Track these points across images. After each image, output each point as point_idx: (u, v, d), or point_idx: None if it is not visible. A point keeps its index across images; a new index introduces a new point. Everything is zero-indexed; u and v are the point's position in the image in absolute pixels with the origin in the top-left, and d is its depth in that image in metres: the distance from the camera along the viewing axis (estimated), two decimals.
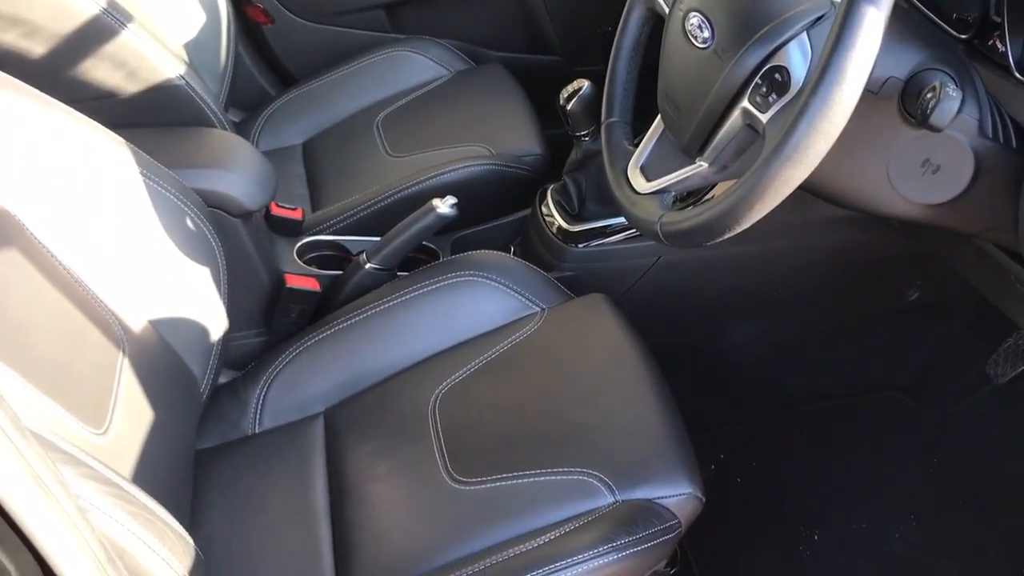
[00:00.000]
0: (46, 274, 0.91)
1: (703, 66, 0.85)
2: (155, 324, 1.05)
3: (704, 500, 0.99)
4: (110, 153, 1.03)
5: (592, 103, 1.26)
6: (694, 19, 0.87)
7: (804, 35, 0.80)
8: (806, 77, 0.78)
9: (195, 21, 1.56)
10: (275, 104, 1.73)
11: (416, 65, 1.76)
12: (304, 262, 1.35)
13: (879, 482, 1.49)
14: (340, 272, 1.32)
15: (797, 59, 0.79)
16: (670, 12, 0.93)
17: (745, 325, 1.47)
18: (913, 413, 1.58)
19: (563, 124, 1.32)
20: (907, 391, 1.59)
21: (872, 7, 0.69)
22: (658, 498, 0.97)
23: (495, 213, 1.50)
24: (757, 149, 0.84)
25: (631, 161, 0.98)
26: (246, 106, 1.79)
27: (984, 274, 1.08)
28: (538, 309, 1.22)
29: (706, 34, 0.85)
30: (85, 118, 1.02)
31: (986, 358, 1.43)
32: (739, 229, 0.80)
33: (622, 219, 1.32)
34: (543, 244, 1.36)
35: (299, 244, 1.36)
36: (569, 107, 1.26)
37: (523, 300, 1.23)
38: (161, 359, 1.06)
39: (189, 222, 1.10)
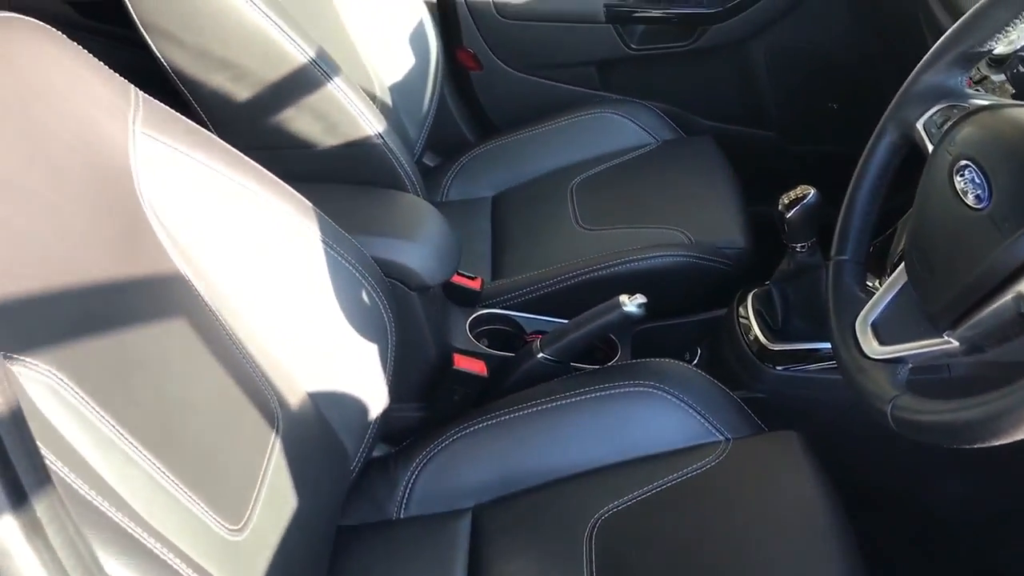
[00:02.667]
0: (212, 346, 0.87)
1: (972, 230, 0.71)
2: (315, 399, 1.00)
3: None
4: (296, 219, 0.98)
5: (815, 213, 1.12)
6: (967, 171, 0.72)
7: None
8: None
9: (405, 63, 1.52)
10: (472, 153, 1.68)
11: (621, 129, 1.66)
12: (475, 335, 1.28)
13: None
14: (510, 355, 1.24)
15: None
16: (935, 151, 0.78)
17: (965, 478, 1.28)
18: None
19: (773, 218, 1.18)
20: None
21: None
22: None
23: (685, 308, 1.38)
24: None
25: (861, 314, 0.84)
26: (443, 151, 1.75)
27: None
28: (722, 438, 1.09)
29: (980, 192, 0.71)
30: (276, 181, 0.98)
31: None
32: (1001, 442, 0.65)
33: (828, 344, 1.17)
34: (736, 357, 1.23)
35: (473, 316, 1.29)
36: (789, 215, 1.12)
37: (706, 425, 1.10)
38: (315, 437, 1.01)
39: (364, 295, 1.05)
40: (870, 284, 0.93)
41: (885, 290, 0.83)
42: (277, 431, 0.93)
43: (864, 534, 0.98)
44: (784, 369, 1.19)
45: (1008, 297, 0.68)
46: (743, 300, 1.28)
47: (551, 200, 1.54)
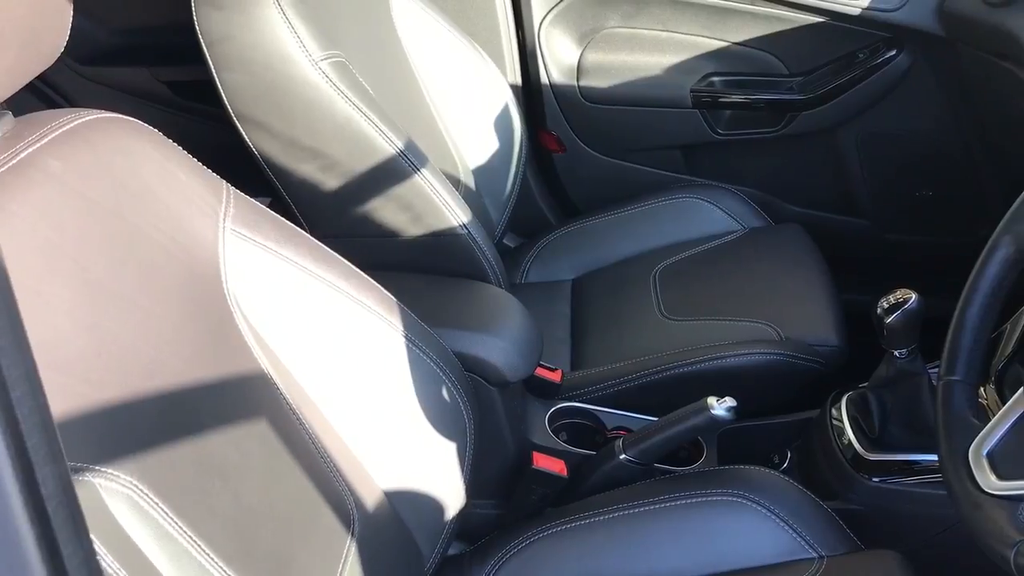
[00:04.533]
0: (291, 447, 0.86)
1: None
2: (391, 499, 0.98)
3: None
4: (379, 314, 0.97)
5: (917, 319, 1.07)
6: None
7: None
8: None
9: (489, 146, 1.52)
10: (553, 235, 1.66)
11: (706, 215, 1.63)
12: (554, 430, 1.25)
13: None
14: (591, 452, 1.20)
15: None
16: None
17: None
18: None
19: (868, 310, 1.13)
20: None
21: None
22: None
23: (773, 407, 1.33)
24: None
25: (976, 442, 0.78)
26: (524, 231, 1.73)
27: None
28: (815, 555, 1.03)
29: None
30: (360, 274, 0.97)
31: None
32: None
33: (933, 456, 1.11)
34: (828, 464, 1.17)
35: (552, 410, 1.26)
36: (889, 320, 1.07)
37: (798, 540, 1.04)
38: (391, 539, 0.98)
39: (445, 392, 1.02)
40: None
41: (1004, 416, 0.78)
42: (353, 534, 0.91)
43: None
44: (881, 480, 1.12)
45: None
46: (836, 403, 1.22)
47: (634, 286, 1.51)
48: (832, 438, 1.19)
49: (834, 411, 1.21)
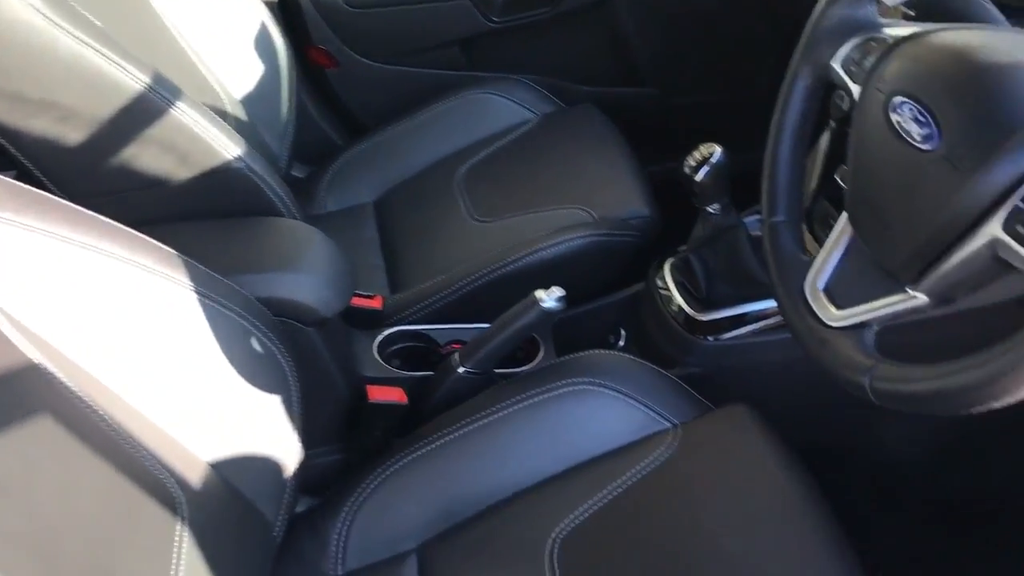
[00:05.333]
0: (88, 442, 0.74)
1: (926, 174, 0.64)
2: (220, 470, 0.88)
3: None
4: (160, 273, 0.85)
5: (725, 172, 1.06)
6: (904, 108, 0.66)
7: None
8: None
9: (253, 72, 1.38)
10: (344, 157, 1.55)
11: (498, 108, 1.56)
12: (385, 359, 1.17)
13: None
14: (429, 373, 1.13)
15: None
16: (864, 92, 0.71)
17: (903, 422, 1.24)
18: None
19: (669, 169, 1.11)
20: None
21: None
22: None
23: (600, 289, 1.30)
24: (1006, 284, 0.63)
25: (809, 279, 0.77)
26: (311, 159, 1.61)
27: None
28: (669, 425, 1.02)
29: (926, 131, 0.64)
30: (129, 232, 0.84)
31: None
32: (1001, 405, 0.59)
33: (761, 304, 1.11)
34: (663, 333, 1.16)
35: (379, 339, 1.18)
36: (699, 178, 1.05)
37: (650, 413, 1.02)
38: (229, 513, 0.88)
39: (255, 343, 0.92)
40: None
41: (831, 249, 0.77)
42: (182, 518, 0.81)
43: (828, 493, 0.93)
44: (716, 339, 1.12)
45: (980, 243, 0.62)
46: (659, 271, 1.20)
47: (439, 195, 1.44)
48: (661, 307, 1.18)
49: (658, 280, 1.20)
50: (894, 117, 0.67)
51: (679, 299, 1.15)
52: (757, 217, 1.17)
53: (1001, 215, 0.60)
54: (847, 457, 1.27)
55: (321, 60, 1.62)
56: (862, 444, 1.27)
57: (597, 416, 1.03)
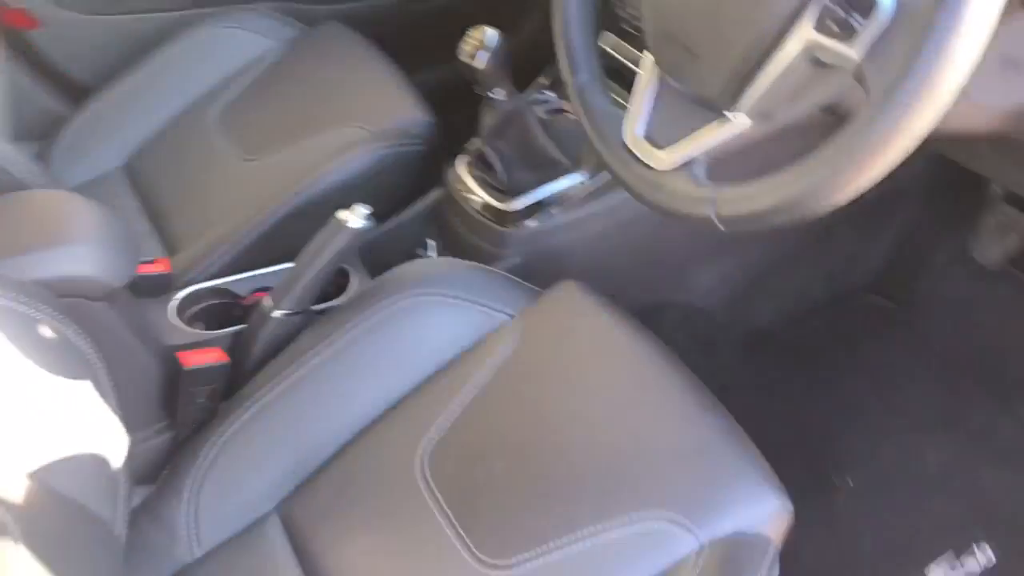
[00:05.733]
0: None
1: None
2: (41, 480, 0.77)
3: (794, 511, 0.83)
4: None
5: (502, 52, 1.03)
6: None
7: None
8: None
9: None
10: (72, 125, 1.38)
11: (236, 42, 1.44)
12: (188, 322, 1.07)
13: (888, 397, 1.37)
14: (242, 327, 1.05)
15: None
16: None
17: (710, 268, 1.31)
18: (897, 313, 1.46)
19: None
20: (881, 291, 1.48)
21: None
22: (748, 527, 0.80)
23: (398, 205, 1.25)
24: (822, 87, 0.65)
25: (627, 129, 0.76)
26: (37, 135, 1.42)
27: (1002, 164, 0.95)
28: (506, 317, 1.00)
29: None
30: None
31: (955, 240, 1.33)
32: (842, 201, 0.61)
33: (564, 182, 1.11)
34: (475, 232, 1.14)
35: (174, 303, 1.07)
36: (478, 64, 1.02)
37: (485, 310, 1.00)
38: (61, 522, 0.78)
39: (44, 330, 0.81)
40: None
41: (641, 94, 0.76)
42: (14, 540, 0.70)
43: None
44: (529, 225, 1.11)
45: (794, 49, 0.63)
46: (454, 171, 1.17)
47: (196, 144, 1.32)
48: (466, 206, 1.15)
49: (458, 184, 1.17)
50: None
51: (482, 194, 1.13)
52: (540, 97, 1.17)
53: (810, 16, 0.62)
54: (666, 312, 1.32)
55: (19, 21, 1.42)
56: (677, 297, 1.32)
57: (431, 325, 1.00)
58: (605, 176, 1.12)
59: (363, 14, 1.63)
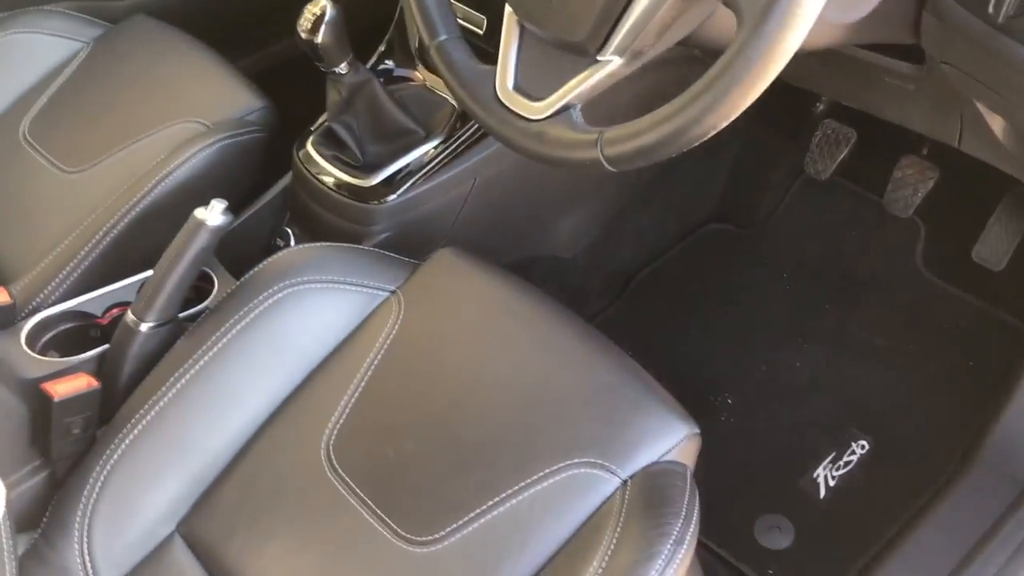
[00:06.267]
0: None
1: None
2: None
3: (700, 432, 0.86)
4: None
5: (340, 26, 1.00)
6: None
7: None
8: None
9: None
10: None
11: (35, 48, 1.33)
12: (41, 352, 0.99)
13: (749, 316, 1.43)
14: (105, 347, 0.98)
15: None
16: None
17: (568, 217, 1.33)
18: (743, 236, 1.53)
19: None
20: (726, 217, 1.55)
21: None
22: (662, 455, 0.82)
23: (247, 197, 1.20)
24: (687, 18, 0.67)
25: (498, 84, 0.76)
26: None
27: (830, 77, 1.01)
28: (386, 293, 0.98)
29: None
30: None
31: (787, 159, 1.41)
32: (724, 124, 0.63)
33: (419, 150, 1.10)
34: (338, 214, 1.10)
35: (24, 333, 0.99)
36: (320, 40, 0.98)
37: (364, 290, 0.98)
38: None
39: None
40: None
41: (507, 47, 0.76)
42: None
43: None
44: (392, 199, 1.09)
45: None
46: (305, 152, 1.13)
47: (10, 162, 1.21)
48: (323, 188, 1.11)
49: (309, 167, 1.13)
50: None
51: (338, 173, 1.10)
52: (384, 67, 1.15)
53: None
54: (534, 266, 1.33)
55: None
56: (543, 250, 1.34)
57: (313, 314, 0.97)
58: (459, 140, 1.11)
59: (169, 4, 1.54)
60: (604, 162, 0.68)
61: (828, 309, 1.43)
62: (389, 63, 1.17)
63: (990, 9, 0.71)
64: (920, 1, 0.78)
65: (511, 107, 0.74)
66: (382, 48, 1.17)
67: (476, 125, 1.09)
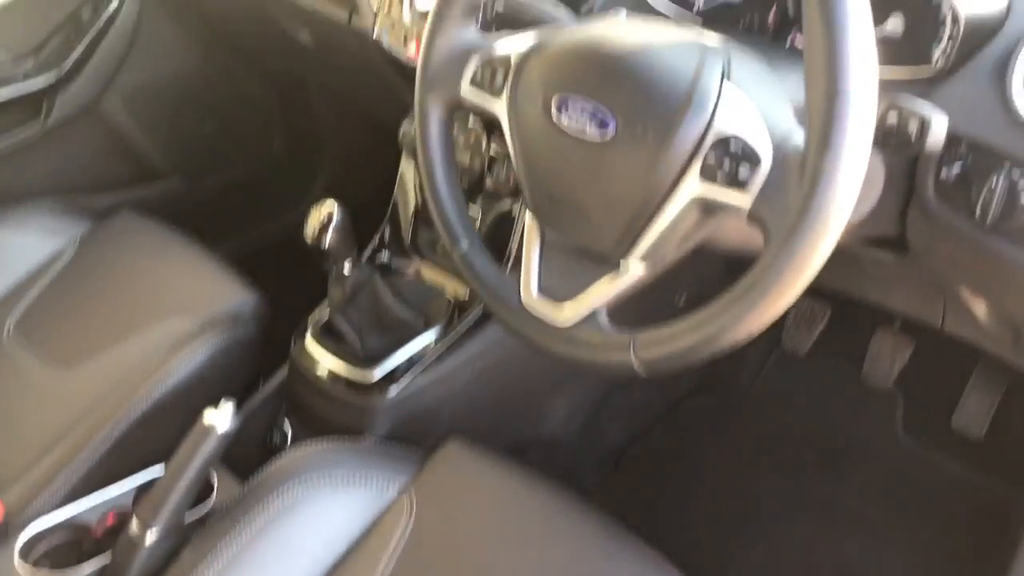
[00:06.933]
0: None
1: (613, 159, 0.70)
2: None
3: None
4: None
5: (349, 228, 1.04)
6: (569, 107, 0.70)
7: (730, 84, 0.68)
8: (778, 131, 0.65)
9: None
10: None
11: (20, 246, 1.35)
12: (36, 565, 0.95)
13: (740, 490, 1.44)
14: (104, 563, 0.94)
15: (743, 113, 0.67)
16: (513, 106, 0.75)
17: (561, 397, 1.34)
18: (725, 410, 1.55)
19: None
20: (707, 391, 1.57)
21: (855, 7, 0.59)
22: None
23: (243, 392, 1.19)
24: (706, 227, 0.71)
25: (522, 290, 0.78)
26: None
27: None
28: (396, 489, 0.97)
29: (597, 122, 0.69)
30: None
31: (765, 335, 1.45)
32: (757, 332, 0.66)
33: (419, 341, 1.11)
34: (337, 409, 1.10)
35: (19, 547, 0.95)
36: (328, 244, 1.01)
37: (374, 487, 0.97)
38: None
39: None
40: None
41: (528, 252, 0.79)
42: None
43: None
44: (393, 391, 1.10)
45: (684, 200, 0.69)
46: (303, 348, 1.14)
47: None
48: (321, 382, 1.12)
49: (306, 359, 1.13)
50: (561, 119, 0.71)
51: (339, 367, 1.10)
52: (380, 260, 1.18)
53: (695, 171, 0.67)
54: (530, 449, 1.33)
55: None
56: (539, 432, 1.34)
57: (323, 515, 0.95)
58: (457, 330, 1.13)
59: (152, 199, 1.57)
60: (639, 366, 0.70)
61: (816, 480, 1.44)
62: (384, 255, 1.20)
63: (976, 213, 0.76)
64: (906, 198, 0.83)
65: (538, 313, 0.76)
66: (375, 242, 1.21)
67: (474, 314, 1.12)
